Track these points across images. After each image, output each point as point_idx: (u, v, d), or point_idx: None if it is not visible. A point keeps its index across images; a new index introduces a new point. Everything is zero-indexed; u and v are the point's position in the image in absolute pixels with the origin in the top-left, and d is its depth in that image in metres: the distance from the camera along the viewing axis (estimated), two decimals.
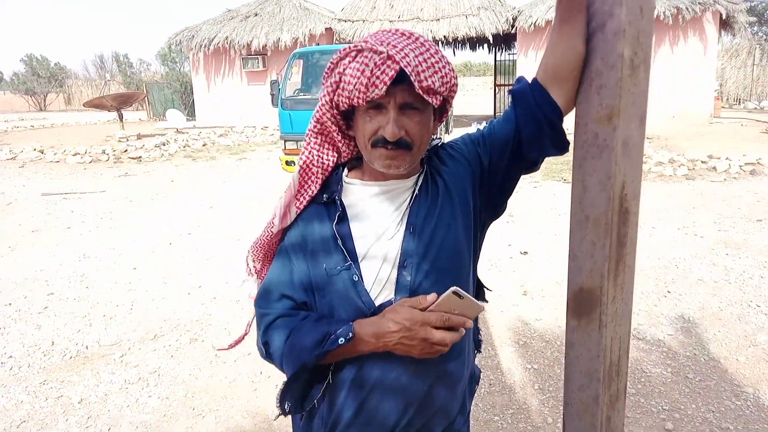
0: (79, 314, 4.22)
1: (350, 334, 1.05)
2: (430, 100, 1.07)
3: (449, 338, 1.04)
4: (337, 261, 1.13)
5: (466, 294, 1.01)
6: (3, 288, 4.80)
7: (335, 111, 1.14)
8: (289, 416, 1.25)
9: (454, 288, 1.00)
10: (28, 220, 7.29)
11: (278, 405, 1.14)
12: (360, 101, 1.05)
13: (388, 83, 1.03)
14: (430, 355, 1.05)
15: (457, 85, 1.13)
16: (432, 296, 1.04)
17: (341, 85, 1.08)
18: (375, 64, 1.03)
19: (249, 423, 2.85)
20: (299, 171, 1.20)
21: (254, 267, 1.34)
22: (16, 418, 2.92)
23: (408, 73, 1.02)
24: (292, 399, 1.14)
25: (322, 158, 1.20)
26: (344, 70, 1.07)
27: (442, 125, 1.26)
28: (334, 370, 1.15)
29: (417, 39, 1.08)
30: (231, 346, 1.46)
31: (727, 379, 3.11)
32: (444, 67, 1.08)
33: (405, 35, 1.08)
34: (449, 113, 1.24)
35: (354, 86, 1.05)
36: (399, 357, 1.11)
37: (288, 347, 1.09)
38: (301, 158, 1.21)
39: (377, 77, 1.03)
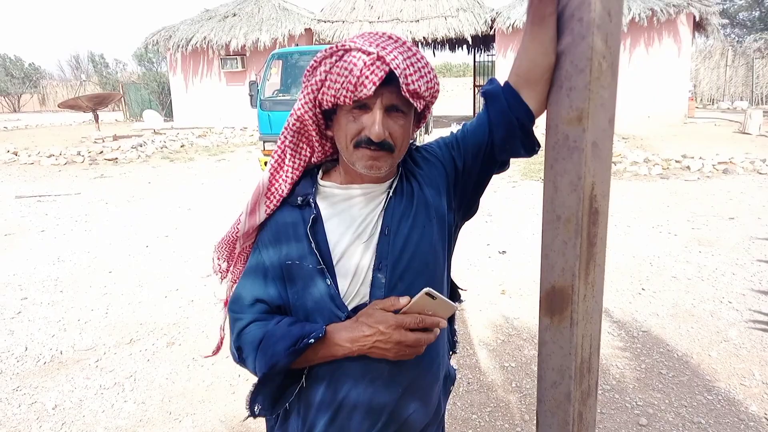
0: (53, 319, 4.15)
1: (321, 334, 1.05)
2: (415, 104, 1.08)
3: (424, 339, 1.04)
4: (312, 264, 1.13)
5: (439, 294, 1.02)
6: None
7: (317, 110, 1.13)
8: (264, 421, 1.25)
9: (426, 289, 1.01)
10: (1, 223, 7.14)
11: (248, 407, 1.14)
12: (347, 100, 1.05)
13: (377, 84, 1.03)
14: (405, 357, 1.06)
15: (438, 92, 1.14)
16: (405, 298, 1.04)
17: (327, 83, 1.07)
18: (365, 63, 1.03)
19: (226, 427, 2.84)
20: (270, 170, 1.20)
21: (219, 265, 1.33)
22: None
23: (397, 75, 1.03)
24: (263, 401, 1.13)
25: (295, 158, 1.19)
26: (330, 68, 1.07)
27: (419, 130, 1.27)
28: (307, 376, 1.15)
29: (404, 43, 1.09)
30: (214, 353, 1.45)
31: (699, 374, 3.17)
32: (429, 72, 1.09)
33: (392, 38, 1.08)
34: (428, 118, 1.25)
35: (342, 85, 1.05)
36: (371, 366, 1.11)
37: (261, 351, 1.09)
38: (273, 156, 1.21)
39: (366, 77, 1.03)
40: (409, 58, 1.06)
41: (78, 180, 10.26)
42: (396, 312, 1.04)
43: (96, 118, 17.63)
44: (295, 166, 1.20)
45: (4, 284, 4.89)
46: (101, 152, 13.01)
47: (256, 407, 1.13)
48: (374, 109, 1.07)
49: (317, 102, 1.12)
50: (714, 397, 2.95)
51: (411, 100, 1.07)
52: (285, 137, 1.19)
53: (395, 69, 1.03)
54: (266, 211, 1.20)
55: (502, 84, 1.16)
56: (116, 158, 12.45)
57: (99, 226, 6.91)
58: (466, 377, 3.21)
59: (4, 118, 29.39)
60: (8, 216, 7.51)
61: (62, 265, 5.41)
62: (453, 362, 1.41)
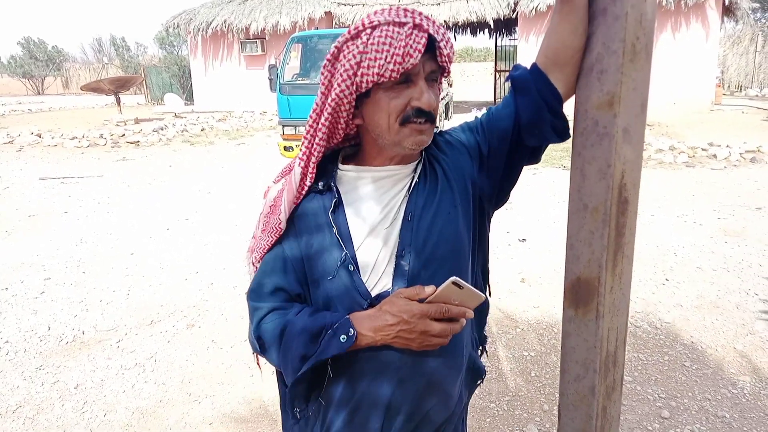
0: (75, 299, 4.21)
1: (351, 331, 1.02)
2: (448, 68, 1.09)
3: (449, 329, 1.01)
4: (333, 250, 1.10)
5: (465, 284, 0.98)
6: (0, 272, 4.79)
7: (353, 96, 1.07)
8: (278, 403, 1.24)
9: (453, 278, 0.97)
10: (25, 204, 7.26)
11: (289, 411, 1.15)
12: (395, 74, 1.01)
13: (422, 51, 1.01)
14: (430, 347, 1.03)
15: (454, 54, 1.13)
16: (430, 287, 1.01)
17: (364, 62, 1.02)
18: (405, 34, 1.01)
19: (245, 409, 2.86)
20: (300, 164, 1.15)
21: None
22: (12, 403, 2.92)
23: (437, 41, 1.03)
24: (301, 402, 1.15)
25: (319, 147, 1.14)
26: (364, 48, 1.02)
27: (441, 110, 1.23)
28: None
29: (421, 13, 1.06)
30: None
31: (724, 367, 3.11)
32: (450, 39, 1.08)
33: (409, 11, 1.05)
34: (449, 92, 1.22)
35: (386, 59, 1.01)
36: (390, 362, 1.09)
37: (284, 344, 1.07)
38: (302, 153, 1.15)
39: (410, 46, 1.01)
40: (432, 25, 1.05)
41: (100, 162, 10.38)
42: (421, 301, 1.02)
43: (118, 101, 17.80)
44: (320, 154, 1.15)
45: (28, 264, 4.97)
46: (123, 135, 13.14)
47: (296, 411, 1.15)
48: (418, 80, 1.05)
49: (356, 86, 1.05)
50: (739, 390, 2.89)
51: (445, 65, 1.07)
52: (313, 132, 1.13)
53: (434, 34, 1.02)
54: (295, 203, 1.16)
55: (528, 66, 1.12)
56: (138, 141, 12.57)
57: (121, 208, 6.99)
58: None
59: (28, 100, 29.82)
60: (32, 197, 7.63)
61: (85, 246, 5.48)
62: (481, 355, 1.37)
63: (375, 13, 1.04)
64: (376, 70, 1.01)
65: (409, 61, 1.01)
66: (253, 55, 18.44)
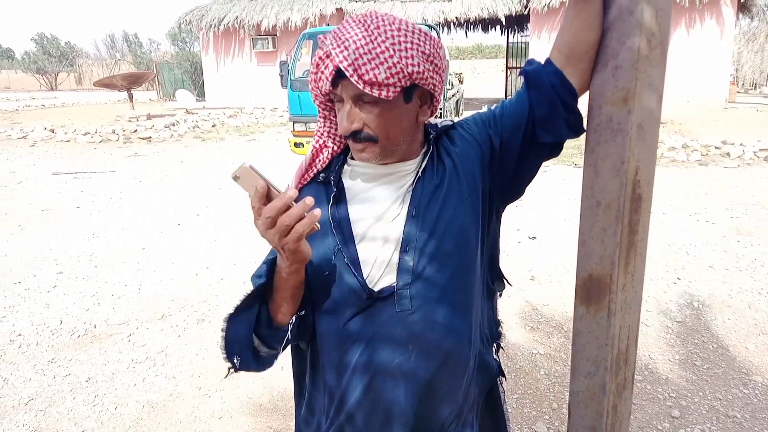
0: (87, 293, 4.25)
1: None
2: (374, 94, 1.00)
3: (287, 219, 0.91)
4: (330, 243, 1.11)
5: (262, 173, 0.91)
6: (12, 266, 4.84)
7: (321, 99, 1.14)
8: (292, 399, 1.24)
9: (247, 162, 0.91)
10: (38, 199, 7.33)
11: (223, 354, 1.11)
12: (318, 94, 1.09)
13: (329, 79, 1.02)
14: (283, 229, 0.92)
15: (427, 71, 1.04)
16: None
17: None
18: (320, 58, 1.04)
19: (255, 403, 2.87)
20: (311, 152, 1.19)
21: None
22: (24, 396, 2.95)
23: (343, 69, 0.99)
24: (240, 350, 1.11)
25: (330, 140, 1.18)
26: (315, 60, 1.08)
27: (452, 107, 1.22)
28: (340, 346, 1.13)
29: (369, 25, 1.01)
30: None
31: (735, 367, 3.08)
32: (393, 55, 1.00)
33: (360, 22, 1.02)
34: (460, 89, 1.21)
35: (312, 80, 1.08)
36: (403, 342, 1.09)
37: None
38: (316, 141, 1.20)
39: (321, 72, 1.04)
40: (368, 44, 0.99)
41: (113, 158, 10.45)
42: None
43: (130, 97, 17.89)
44: (336, 144, 1.18)
45: (41, 258, 5.02)
46: (135, 131, 13.23)
47: (236, 359, 1.13)
48: (344, 102, 1.06)
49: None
50: (750, 391, 2.87)
51: (368, 90, 1.00)
52: (320, 121, 1.19)
53: (340, 63, 0.99)
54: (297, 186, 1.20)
55: (542, 61, 1.11)
56: (150, 137, 12.64)
57: (132, 203, 7.04)
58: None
59: (41, 96, 30.09)
60: (45, 192, 7.70)
61: (97, 240, 5.52)
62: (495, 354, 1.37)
63: (344, 22, 1.06)
64: (313, 85, 1.09)
65: (322, 87, 1.05)
66: (264, 51, 18.48)
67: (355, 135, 1.06)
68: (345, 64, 0.99)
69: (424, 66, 1.03)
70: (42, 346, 3.48)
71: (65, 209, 6.79)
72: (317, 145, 1.18)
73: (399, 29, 1.02)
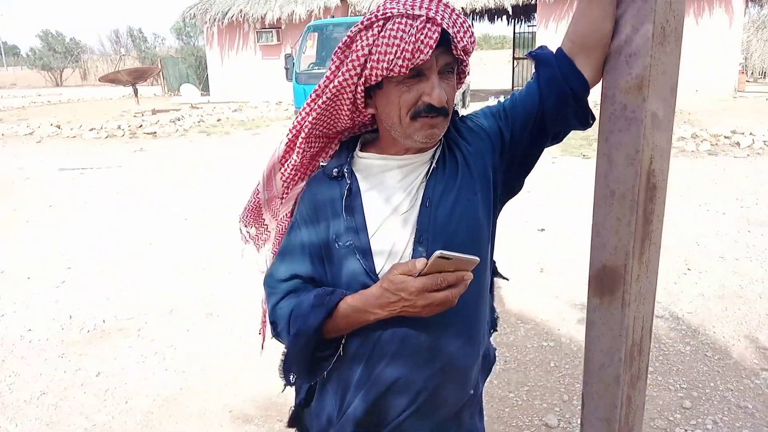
0: (96, 288, 4.27)
1: (331, 301, 1.04)
2: (466, 60, 1.05)
3: (452, 295, 0.96)
4: (345, 237, 1.10)
5: (453, 254, 0.93)
6: (22, 262, 4.87)
7: (360, 87, 1.06)
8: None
9: (438, 252, 0.92)
10: (45, 195, 7.36)
11: (281, 375, 1.13)
12: (403, 69, 0.99)
13: (434, 46, 0.97)
14: (439, 311, 0.99)
15: (476, 43, 1.09)
16: (421, 261, 0.95)
17: (374, 56, 1.00)
18: (417, 28, 0.97)
19: (264, 397, 2.87)
20: (287, 141, 1.20)
21: (248, 233, 1.35)
22: (36, 390, 2.97)
23: (451, 35, 0.99)
24: (298, 369, 1.12)
25: (316, 129, 1.16)
26: (375, 40, 1.00)
27: (458, 99, 1.21)
28: (344, 355, 1.12)
29: (440, 1, 1.02)
30: (261, 332, 1.48)
31: (746, 357, 3.06)
32: (469, 26, 1.04)
33: (426, 1, 1.01)
34: (466, 80, 1.19)
35: (395, 54, 0.98)
36: (408, 344, 1.09)
37: (292, 319, 1.08)
38: (293, 127, 1.19)
39: (421, 41, 0.97)
40: (450, 15, 1.00)
41: (119, 153, 10.48)
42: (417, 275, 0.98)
43: (135, 92, 17.93)
44: (315, 138, 1.18)
45: (49, 254, 5.05)
46: (141, 126, 13.25)
47: (291, 376, 1.12)
48: (430, 74, 1.02)
49: (363, 78, 1.04)
50: (762, 381, 2.85)
51: (462, 57, 1.03)
52: (308, 111, 1.14)
53: (448, 28, 0.98)
54: (281, 178, 1.20)
55: (554, 51, 1.10)
56: (155, 132, 12.66)
57: (139, 198, 7.06)
58: (503, 355, 3.17)
59: (47, 92, 30.17)
60: (52, 188, 7.73)
61: (104, 236, 5.54)
62: (492, 341, 1.37)
63: (388, 2, 1.02)
64: (385, 65, 0.99)
65: (419, 57, 0.98)
66: (268, 44, 18.45)
67: (438, 109, 1.03)
68: (452, 30, 0.99)
69: (475, 40, 1.07)
70: (52, 341, 3.50)
71: (73, 205, 6.81)
72: (293, 136, 1.19)
73: (449, 3, 1.04)
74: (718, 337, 3.27)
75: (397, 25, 0.98)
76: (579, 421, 1.30)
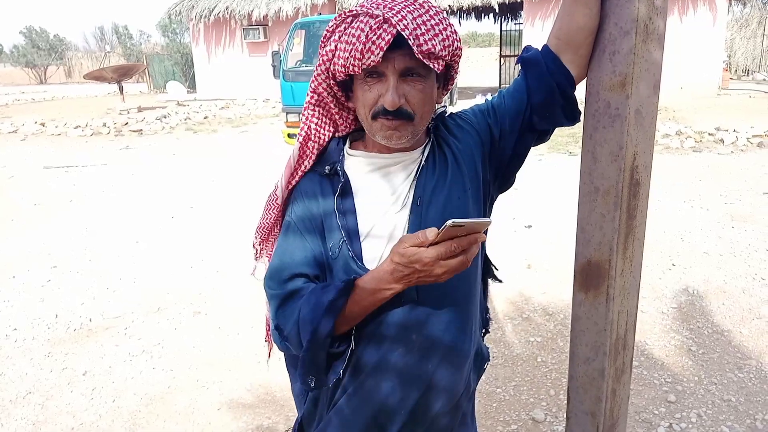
0: (82, 287, 4.23)
1: (351, 279, 1.02)
2: (431, 65, 1.00)
3: (466, 259, 0.93)
4: (337, 237, 1.10)
5: (465, 220, 0.91)
6: (6, 261, 4.81)
7: (332, 81, 1.08)
8: (289, 389, 1.24)
9: (450, 221, 0.89)
10: (30, 193, 7.27)
11: (302, 381, 1.08)
12: (356, 69, 0.99)
13: (385, 48, 0.97)
14: (457, 272, 0.95)
15: (461, 49, 1.06)
16: (432, 231, 0.92)
17: (337, 53, 1.02)
18: (371, 28, 0.97)
19: (252, 395, 2.87)
20: (299, 145, 1.17)
21: (259, 249, 1.31)
22: (22, 390, 2.94)
23: (405, 37, 0.96)
24: (317, 372, 1.07)
25: (320, 131, 1.16)
26: (340, 37, 1.01)
27: (447, 95, 1.21)
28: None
29: (415, 1, 1.02)
30: (267, 340, 1.44)
31: (730, 351, 3.11)
32: (445, 29, 1.02)
33: (396, 2, 1.01)
34: (454, 82, 1.18)
35: (350, 53, 0.98)
36: (405, 335, 1.09)
37: (301, 321, 1.04)
38: (300, 133, 1.17)
39: (373, 42, 0.97)
40: (420, 16, 0.99)
41: (104, 151, 10.38)
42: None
43: (121, 89, 17.75)
44: (321, 141, 1.17)
45: (35, 253, 4.99)
46: (126, 123, 13.13)
47: (310, 380, 1.07)
48: (388, 76, 1.01)
49: (330, 73, 1.06)
50: (745, 375, 2.89)
51: (426, 61, 0.99)
52: (307, 111, 1.16)
53: (403, 30, 0.96)
54: (290, 179, 1.19)
55: (540, 48, 1.11)
56: (141, 129, 12.56)
57: (125, 196, 7.00)
58: (490, 351, 3.18)
59: (31, 89, 29.81)
60: (37, 186, 7.65)
61: (90, 234, 5.49)
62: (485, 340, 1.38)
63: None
64: (342, 62, 1.01)
65: (369, 58, 0.97)
66: (255, 41, 18.34)
67: (393, 112, 1.02)
68: (407, 32, 0.96)
69: (459, 44, 1.05)
70: (38, 340, 3.47)
71: (58, 203, 6.74)
72: (304, 137, 1.17)
73: (435, 6, 1.03)
74: (702, 332, 3.32)
75: (358, 23, 0.99)
76: (565, 415, 1.31)
